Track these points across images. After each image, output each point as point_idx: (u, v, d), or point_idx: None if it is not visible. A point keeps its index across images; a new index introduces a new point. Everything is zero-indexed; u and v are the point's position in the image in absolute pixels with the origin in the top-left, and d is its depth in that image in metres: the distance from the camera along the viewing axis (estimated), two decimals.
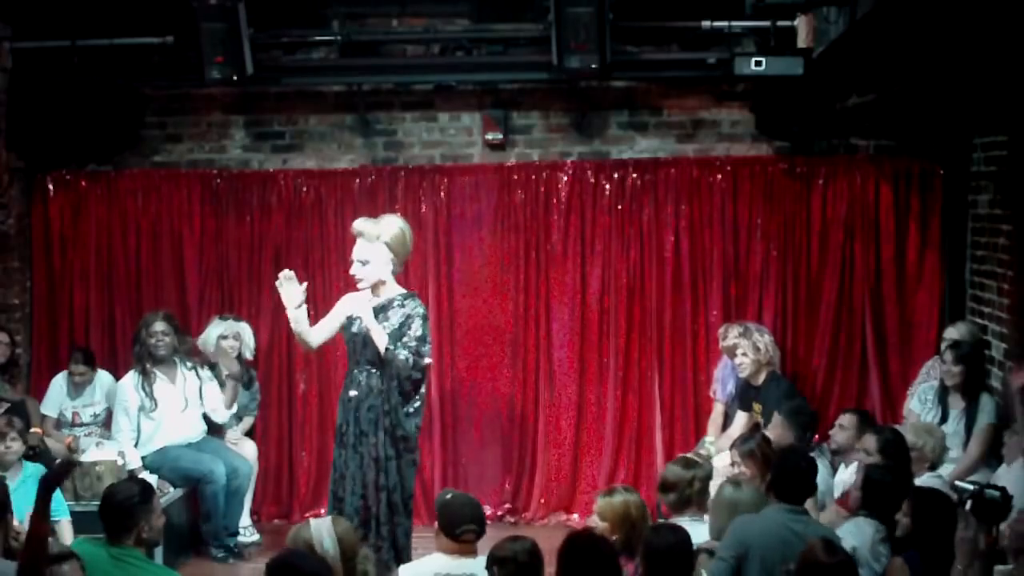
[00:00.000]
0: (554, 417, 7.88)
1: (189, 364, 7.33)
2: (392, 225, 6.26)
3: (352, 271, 6.26)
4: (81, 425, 7.50)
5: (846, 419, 6.39)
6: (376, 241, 6.18)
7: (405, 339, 6.08)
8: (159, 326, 7.20)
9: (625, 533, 4.66)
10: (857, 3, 5.37)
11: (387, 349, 6.03)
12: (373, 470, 6.09)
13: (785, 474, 4.92)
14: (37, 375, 7.95)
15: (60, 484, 4.34)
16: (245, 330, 7.62)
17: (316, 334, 6.31)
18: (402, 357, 6.05)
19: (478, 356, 7.92)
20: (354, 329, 6.22)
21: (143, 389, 7.14)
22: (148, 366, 7.17)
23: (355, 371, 6.22)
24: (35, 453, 6.73)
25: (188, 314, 7.85)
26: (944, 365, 6.55)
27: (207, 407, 7.29)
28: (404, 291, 6.37)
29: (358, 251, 6.20)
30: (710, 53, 7.54)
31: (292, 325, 6.23)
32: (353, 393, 6.17)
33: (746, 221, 7.75)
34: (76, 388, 7.53)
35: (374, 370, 6.14)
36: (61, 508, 6.01)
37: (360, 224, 6.27)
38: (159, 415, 7.15)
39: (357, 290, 6.32)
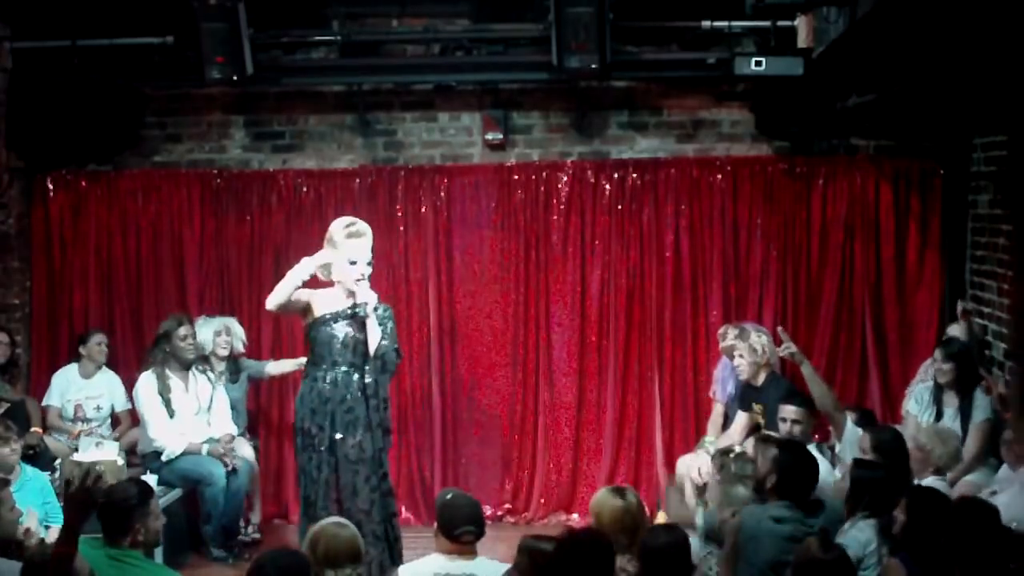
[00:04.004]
0: (554, 417, 7.89)
1: (200, 367, 7.34)
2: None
3: (367, 272, 6.00)
4: (84, 420, 7.51)
5: (798, 413, 6.34)
6: None
7: (386, 339, 6.00)
8: (185, 329, 7.20)
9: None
10: (857, 3, 5.36)
11: (380, 344, 5.95)
12: (350, 472, 5.91)
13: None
14: (37, 375, 7.95)
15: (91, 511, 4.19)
16: (233, 323, 7.64)
17: (280, 294, 5.96)
18: (393, 351, 6.04)
19: (478, 356, 7.93)
20: (331, 330, 5.99)
21: (162, 396, 7.11)
22: (167, 370, 7.15)
23: (327, 373, 5.97)
24: (34, 453, 6.74)
25: (188, 314, 7.84)
26: (935, 363, 6.55)
27: (215, 421, 7.27)
28: None
29: (368, 252, 6.02)
30: (710, 53, 7.54)
31: (288, 277, 5.98)
32: (327, 397, 5.96)
33: (746, 221, 7.75)
34: (92, 370, 7.56)
35: (352, 371, 5.99)
36: (55, 513, 5.87)
37: (366, 226, 6.14)
38: (175, 421, 7.13)
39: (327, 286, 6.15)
